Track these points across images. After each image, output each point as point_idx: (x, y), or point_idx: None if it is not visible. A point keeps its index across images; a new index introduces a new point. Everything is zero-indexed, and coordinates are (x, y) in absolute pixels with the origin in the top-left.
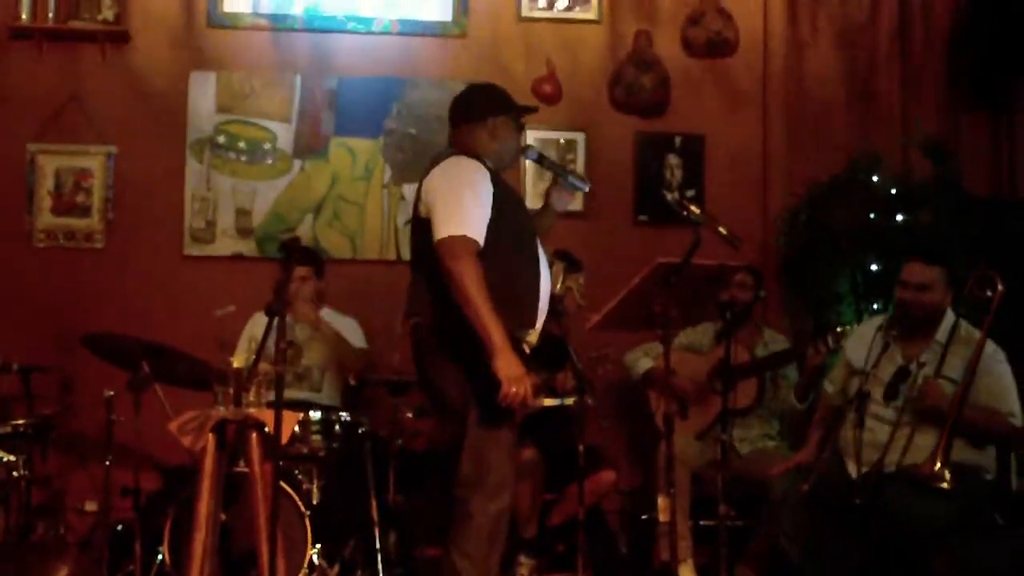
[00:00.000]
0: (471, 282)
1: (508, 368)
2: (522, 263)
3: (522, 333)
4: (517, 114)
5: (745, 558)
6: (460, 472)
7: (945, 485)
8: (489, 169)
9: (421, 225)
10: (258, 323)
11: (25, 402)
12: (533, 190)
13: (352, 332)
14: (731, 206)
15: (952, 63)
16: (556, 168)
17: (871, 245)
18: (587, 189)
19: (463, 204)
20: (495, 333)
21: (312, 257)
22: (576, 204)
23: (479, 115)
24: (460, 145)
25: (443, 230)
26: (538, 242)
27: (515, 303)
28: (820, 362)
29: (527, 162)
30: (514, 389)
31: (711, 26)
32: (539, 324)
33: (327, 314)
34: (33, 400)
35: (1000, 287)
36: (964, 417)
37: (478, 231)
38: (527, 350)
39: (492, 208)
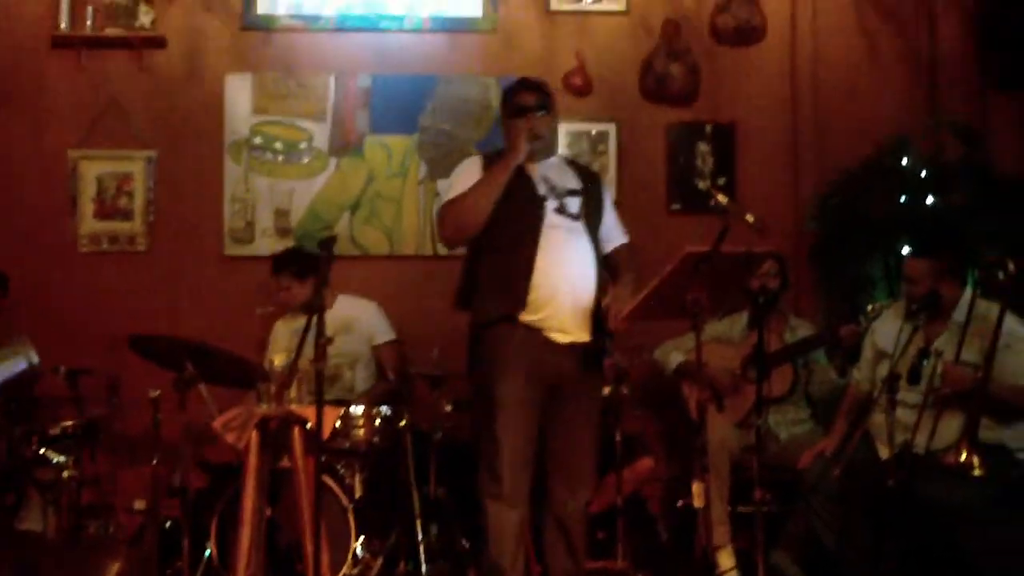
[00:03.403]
0: (455, 203)
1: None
2: (516, 245)
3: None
4: (508, 109)
5: (782, 543)
6: None
7: (977, 472)
8: (494, 159)
9: None
10: (285, 322)
11: (74, 404)
12: None
13: (373, 317)
14: (763, 192)
15: (981, 43)
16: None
17: (903, 228)
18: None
19: (450, 195)
20: (496, 172)
21: (292, 261)
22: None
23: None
24: None
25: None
26: (545, 231)
27: (503, 282)
28: (856, 340)
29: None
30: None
31: (739, 13)
32: (550, 309)
33: (342, 300)
34: (81, 402)
35: (1012, 268)
36: (991, 395)
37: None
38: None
39: None
